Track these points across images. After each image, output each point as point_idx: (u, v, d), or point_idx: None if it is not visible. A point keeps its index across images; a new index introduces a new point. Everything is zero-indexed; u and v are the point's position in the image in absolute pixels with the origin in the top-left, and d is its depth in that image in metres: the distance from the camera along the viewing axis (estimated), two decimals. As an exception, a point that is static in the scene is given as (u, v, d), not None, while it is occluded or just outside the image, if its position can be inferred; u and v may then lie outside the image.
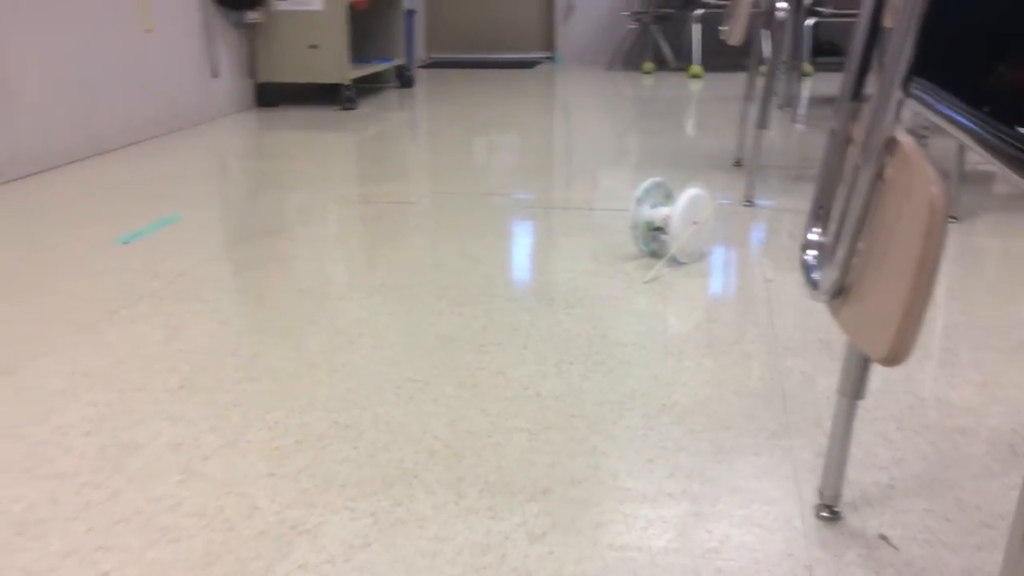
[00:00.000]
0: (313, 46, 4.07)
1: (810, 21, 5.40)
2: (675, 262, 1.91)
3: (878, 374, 1.36)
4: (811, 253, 0.89)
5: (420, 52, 6.23)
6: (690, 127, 3.83)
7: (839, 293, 0.84)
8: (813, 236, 0.89)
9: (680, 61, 6.09)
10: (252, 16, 3.96)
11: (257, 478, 1.08)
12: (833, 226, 0.84)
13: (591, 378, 1.36)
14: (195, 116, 3.72)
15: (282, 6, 4.02)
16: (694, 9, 5.79)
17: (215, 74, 3.86)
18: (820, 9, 5.46)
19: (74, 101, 2.91)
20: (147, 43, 3.33)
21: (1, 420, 1.22)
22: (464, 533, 0.97)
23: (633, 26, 6.22)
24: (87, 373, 1.37)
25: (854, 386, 0.96)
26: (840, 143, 0.85)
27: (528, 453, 1.14)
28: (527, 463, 1.11)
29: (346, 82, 4.14)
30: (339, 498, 1.03)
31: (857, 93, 0.82)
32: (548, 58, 6.49)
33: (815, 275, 0.88)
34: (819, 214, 0.88)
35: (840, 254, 0.82)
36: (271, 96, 4.24)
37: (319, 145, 3.41)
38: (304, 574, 0.90)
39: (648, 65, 5.95)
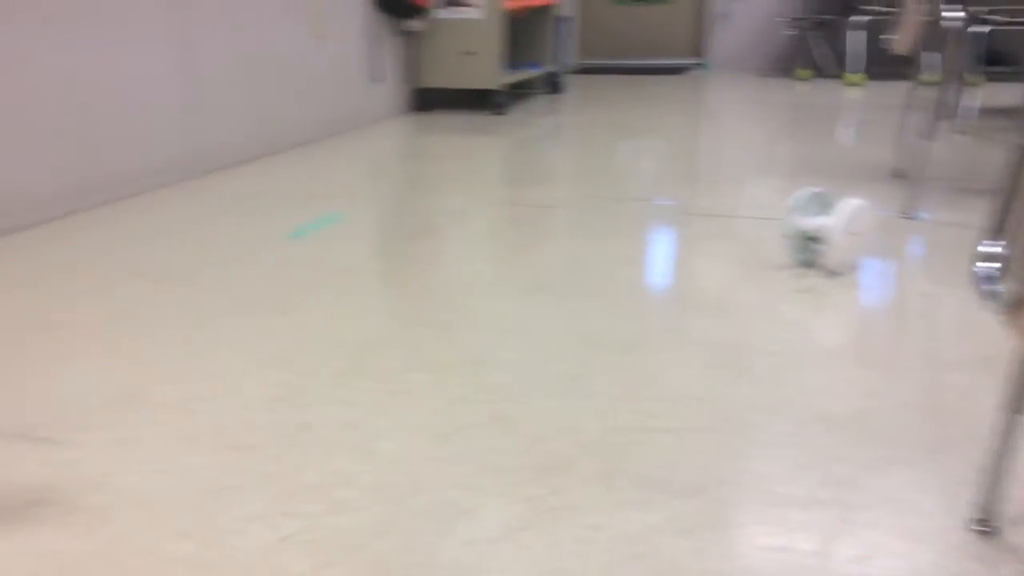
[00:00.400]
0: (469, 53, 4.19)
1: (983, 29, 5.16)
2: (829, 272, 1.90)
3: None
4: (987, 264, 0.89)
5: (571, 58, 6.31)
6: (846, 136, 3.74)
7: (1019, 304, 0.84)
8: (990, 248, 0.89)
9: (836, 68, 5.93)
10: (414, 24, 4.12)
11: (421, 460, 1.15)
12: (1014, 237, 0.84)
13: (739, 384, 1.37)
14: (357, 119, 3.90)
15: (443, 14, 4.17)
16: (854, 15, 5.63)
17: (377, 79, 4.03)
18: (993, 17, 5.22)
19: (249, 103, 3.12)
20: (316, 50, 3.53)
21: (189, 396, 1.34)
22: (617, 523, 1.01)
23: (789, 32, 6.10)
24: (263, 357, 1.48)
25: (1019, 401, 0.95)
26: (1022, 156, 0.85)
27: (677, 452, 1.17)
28: (677, 461, 1.14)
29: (498, 88, 4.25)
30: (497, 483, 1.09)
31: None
32: (698, 64, 6.44)
33: (990, 287, 0.88)
34: (998, 225, 0.87)
35: (1021, 265, 0.82)
36: (426, 101, 4.40)
37: (470, 149, 3.52)
38: (468, 549, 0.97)
39: (803, 72, 5.83)
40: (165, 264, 1.98)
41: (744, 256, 2.04)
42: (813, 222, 1.91)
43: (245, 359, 1.47)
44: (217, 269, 1.95)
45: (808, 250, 1.95)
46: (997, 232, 0.88)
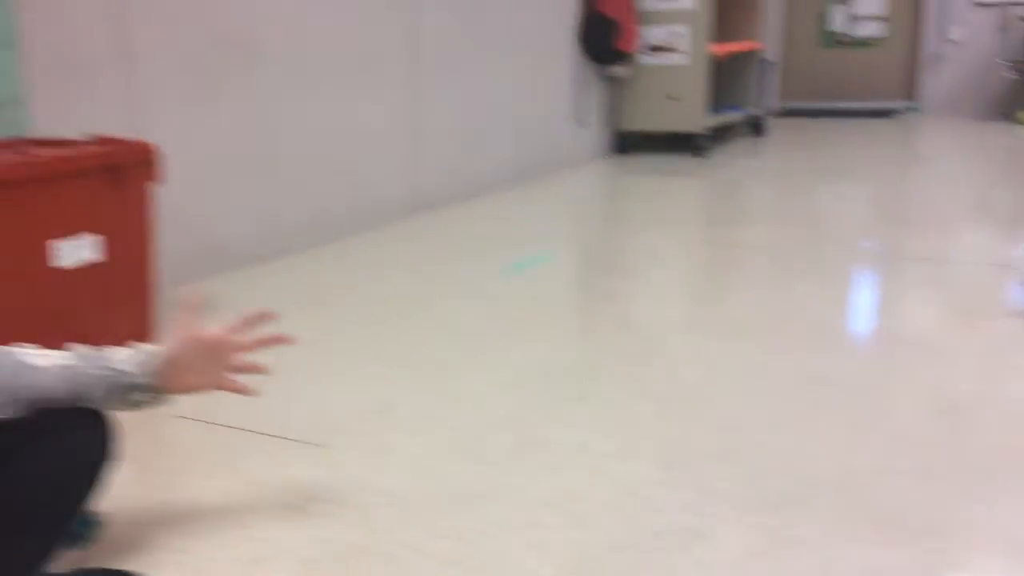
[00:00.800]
0: (672, 97, 4.25)
1: None
2: (1066, 323, 1.81)
3: None
4: None
5: (774, 101, 6.24)
6: (1077, 182, 3.52)
7: None
8: None
9: (1063, 111, 5.57)
10: (619, 70, 4.22)
11: (651, 484, 1.20)
12: None
13: (972, 430, 1.34)
14: (563, 161, 4.03)
15: (647, 60, 4.25)
16: (1084, 54, 5.28)
17: (582, 123, 4.16)
18: None
19: (465, 147, 3.30)
20: (525, 94, 3.69)
21: (434, 413, 1.45)
22: (855, 559, 1.02)
23: (1009, 74, 5.80)
24: (497, 381, 1.58)
25: None
26: None
27: (914, 493, 1.16)
28: (915, 502, 1.14)
29: (700, 131, 4.28)
30: (729, 511, 1.13)
31: None
32: (909, 108, 6.21)
33: None
34: None
35: None
36: (628, 143, 4.49)
37: (672, 190, 3.56)
38: (704, 570, 1.01)
39: (1024, 115, 5.51)
40: (397, 294, 2.13)
41: (963, 301, 1.97)
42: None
43: (480, 382, 1.57)
44: (443, 300, 2.08)
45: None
46: None
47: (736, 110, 4.91)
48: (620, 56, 4.16)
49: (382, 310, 1.99)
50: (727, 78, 4.90)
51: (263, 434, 1.36)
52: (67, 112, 1.95)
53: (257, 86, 2.38)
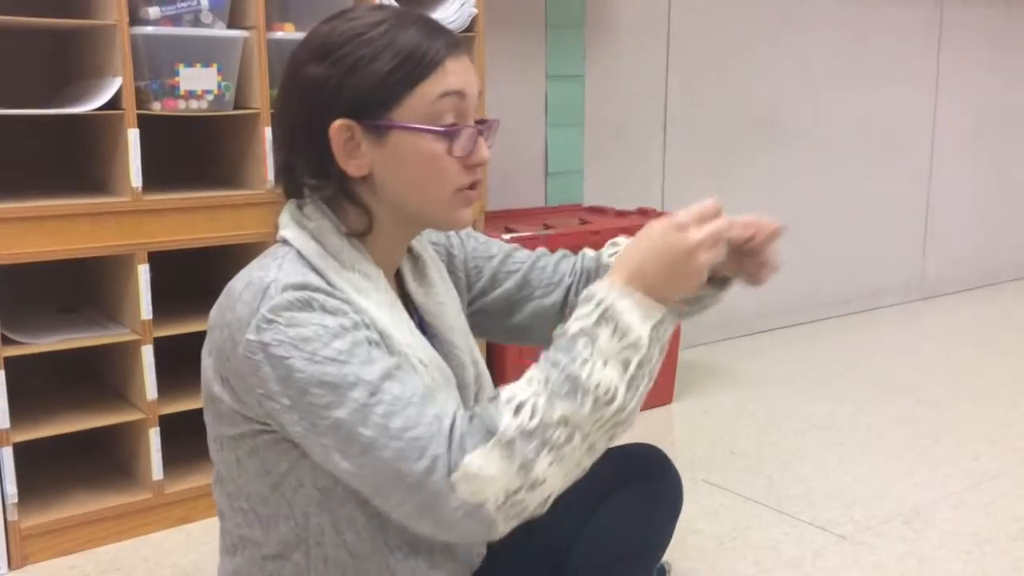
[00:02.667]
0: None
1: None
2: None
3: None
4: None
5: None
6: None
7: None
8: None
9: None
10: None
11: None
12: None
13: None
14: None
15: None
16: None
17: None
18: None
19: (980, 231, 3.05)
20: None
21: (973, 524, 1.35)
22: None
23: None
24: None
25: None
26: None
27: None
28: None
29: None
30: None
31: None
32: None
33: None
34: None
35: None
36: None
37: None
38: None
39: None
40: (898, 380, 2.02)
41: None
42: None
43: None
44: (954, 394, 1.93)
45: None
46: None
47: None
48: None
49: (889, 396, 1.91)
50: None
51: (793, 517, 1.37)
52: (608, 182, 2.17)
53: (774, 160, 2.44)
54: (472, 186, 0.74)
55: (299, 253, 0.71)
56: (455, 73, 0.71)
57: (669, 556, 1.10)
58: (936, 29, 2.76)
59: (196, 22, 1.32)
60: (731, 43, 2.30)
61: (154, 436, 1.34)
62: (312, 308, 0.66)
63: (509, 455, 0.63)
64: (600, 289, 0.68)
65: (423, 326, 0.80)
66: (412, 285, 0.82)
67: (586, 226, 1.78)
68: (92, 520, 1.32)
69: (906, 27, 2.67)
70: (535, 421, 0.63)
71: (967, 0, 2.80)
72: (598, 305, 0.67)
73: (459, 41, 0.74)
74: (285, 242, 0.73)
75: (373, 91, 0.70)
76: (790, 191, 2.47)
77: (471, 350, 0.83)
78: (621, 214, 1.90)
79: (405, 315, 0.75)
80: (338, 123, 0.70)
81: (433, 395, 0.67)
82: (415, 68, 0.70)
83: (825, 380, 2.05)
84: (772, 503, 1.41)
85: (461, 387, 0.79)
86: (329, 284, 0.69)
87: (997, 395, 1.95)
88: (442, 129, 0.71)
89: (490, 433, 0.63)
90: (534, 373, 0.66)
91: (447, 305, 0.83)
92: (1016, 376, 2.09)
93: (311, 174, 0.73)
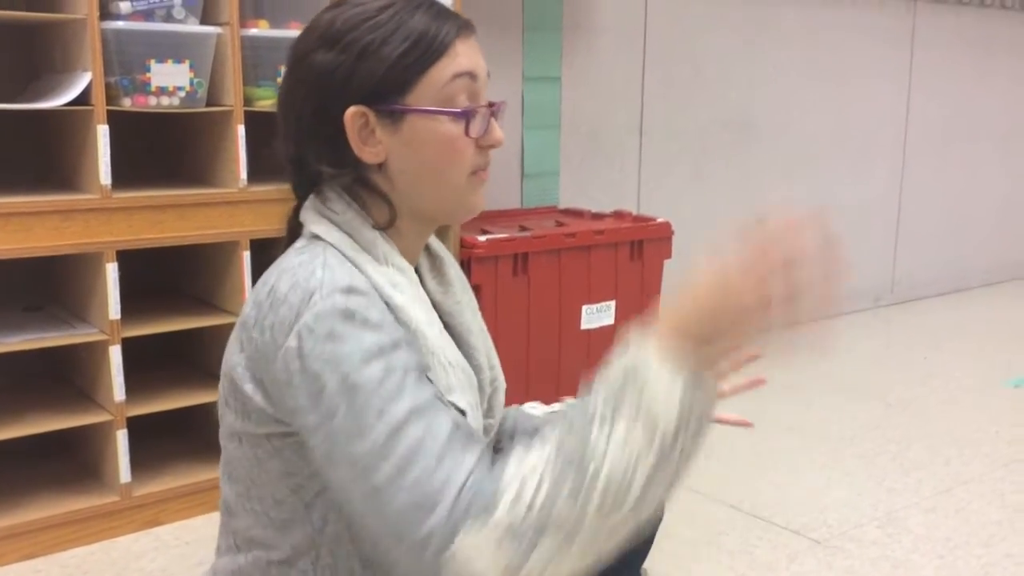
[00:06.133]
0: None
1: None
2: None
3: None
4: None
5: None
6: None
7: None
8: None
9: None
10: None
11: None
12: None
13: None
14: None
15: None
16: None
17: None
18: None
19: (949, 237, 3.08)
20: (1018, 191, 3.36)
21: (943, 533, 1.36)
22: None
23: None
24: (1015, 501, 1.44)
25: None
26: None
27: None
28: None
29: None
30: None
31: None
32: None
33: None
34: None
35: None
36: None
37: None
38: None
39: None
40: (869, 385, 2.04)
41: None
42: None
43: (995, 502, 1.45)
44: (924, 398, 1.95)
45: None
46: None
47: None
48: None
49: (852, 401, 1.92)
50: None
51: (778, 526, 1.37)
52: (584, 184, 2.17)
53: (748, 164, 2.45)
54: (484, 168, 0.73)
55: (337, 249, 0.69)
56: (465, 55, 0.70)
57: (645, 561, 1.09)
58: (908, 34, 2.78)
59: (168, 17, 1.30)
60: (707, 47, 2.31)
61: (122, 438, 1.31)
62: (353, 320, 0.64)
63: (499, 548, 0.58)
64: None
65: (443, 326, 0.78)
66: (431, 284, 0.80)
67: (562, 228, 1.78)
68: (58, 523, 1.29)
69: (879, 32, 2.69)
70: (529, 520, 0.57)
71: (939, 6, 2.83)
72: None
73: (467, 23, 0.72)
74: (316, 238, 0.70)
75: (386, 76, 0.68)
76: (763, 194, 2.48)
77: (488, 352, 0.82)
78: (597, 216, 1.90)
79: (435, 314, 0.74)
80: (352, 110, 0.68)
81: (454, 440, 0.62)
82: (426, 51, 0.68)
83: (797, 384, 2.06)
84: (747, 508, 1.42)
85: (477, 390, 0.78)
86: (372, 283, 0.67)
87: (968, 400, 1.97)
88: (459, 111, 0.69)
89: (489, 510, 0.58)
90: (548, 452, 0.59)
91: (464, 305, 0.82)
92: (987, 380, 2.10)
93: (328, 163, 0.71)
